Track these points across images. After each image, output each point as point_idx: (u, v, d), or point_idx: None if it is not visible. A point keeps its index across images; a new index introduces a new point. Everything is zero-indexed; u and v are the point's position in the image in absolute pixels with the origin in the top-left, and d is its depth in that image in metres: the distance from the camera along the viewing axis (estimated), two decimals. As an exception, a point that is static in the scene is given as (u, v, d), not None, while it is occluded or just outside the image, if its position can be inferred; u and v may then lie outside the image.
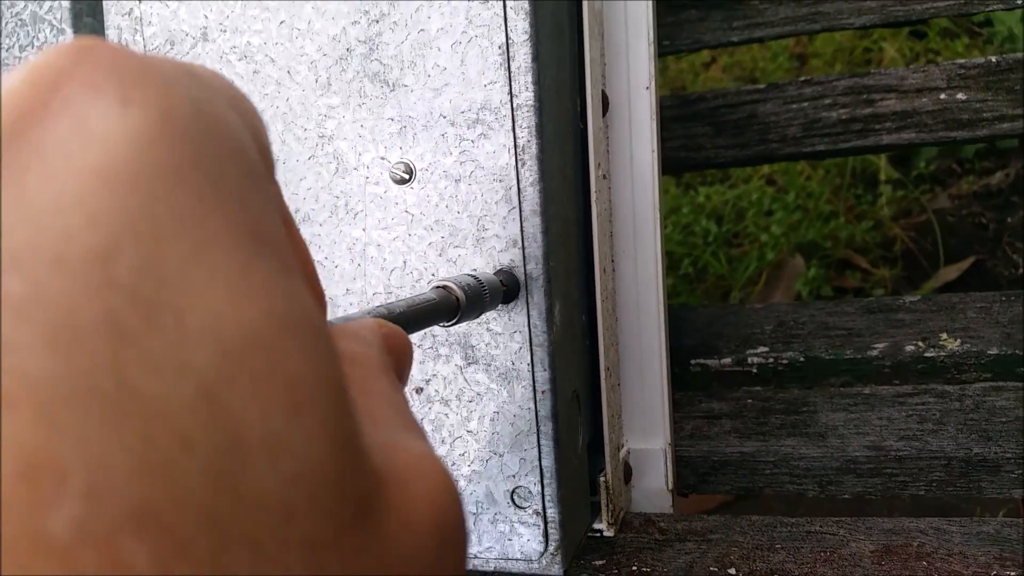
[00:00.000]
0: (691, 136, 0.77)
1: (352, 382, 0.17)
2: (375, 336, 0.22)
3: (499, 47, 0.45)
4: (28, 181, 0.12)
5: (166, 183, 0.13)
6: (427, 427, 0.51)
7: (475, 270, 0.48)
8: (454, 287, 0.40)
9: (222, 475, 0.11)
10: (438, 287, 0.40)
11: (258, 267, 0.14)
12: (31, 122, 0.13)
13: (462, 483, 0.51)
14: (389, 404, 0.19)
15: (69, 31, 0.60)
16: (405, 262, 0.49)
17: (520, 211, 0.47)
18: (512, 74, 0.46)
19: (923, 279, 1.22)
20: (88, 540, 0.10)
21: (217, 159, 0.14)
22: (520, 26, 0.45)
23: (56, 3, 0.60)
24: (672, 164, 0.77)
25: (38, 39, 0.61)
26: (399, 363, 0.23)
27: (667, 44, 0.77)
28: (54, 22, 0.60)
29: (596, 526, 0.58)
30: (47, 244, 0.12)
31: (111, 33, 0.52)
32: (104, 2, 0.52)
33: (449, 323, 0.40)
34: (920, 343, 0.68)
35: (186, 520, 0.11)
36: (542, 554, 0.51)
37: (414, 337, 0.49)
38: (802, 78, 0.76)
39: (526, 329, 0.49)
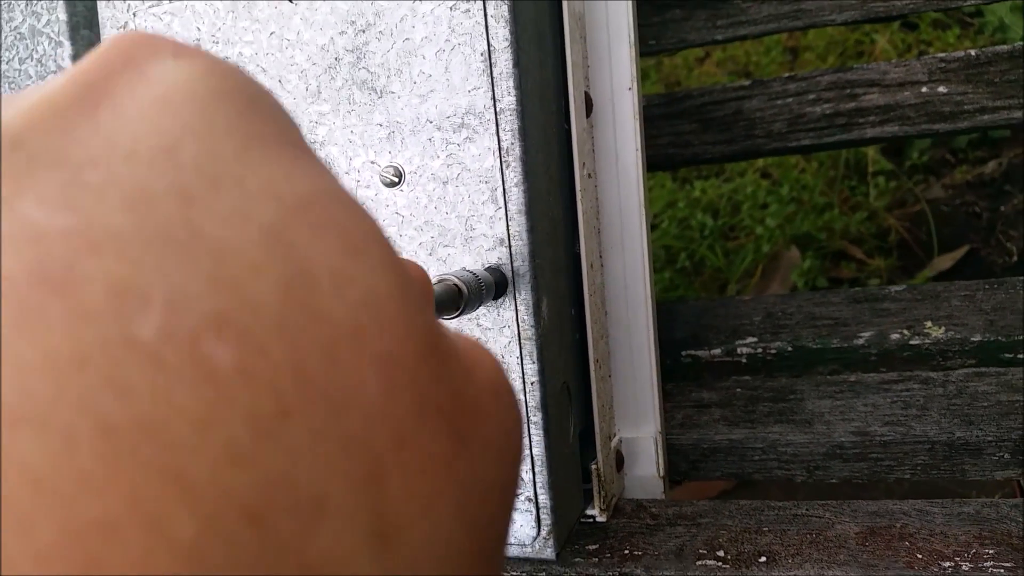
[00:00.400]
0: (679, 133, 0.79)
1: None
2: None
3: (481, 54, 0.47)
4: (100, 115, 0.14)
5: (216, 99, 0.15)
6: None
7: (464, 268, 0.50)
8: (457, 281, 0.42)
9: (291, 294, 0.13)
10: (441, 281, 0.41)
11: (304, 159, 0.16)
12: (101, 78, 0.15)
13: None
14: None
15: (67, 43, 0.62)
16: (397, 262, 0.51)
17: (506, 211, 0.49)
18: (494, 79, 0.48)
19: (918, 268, 1.24)
20: (172, 341, 0.11)
21: (256, 95, 0.17)
22: (501, 33, 0.47)
23: (53, 16, 0.62)
24: (660, 161, 0.79)
25: (36, 52, 0.63)
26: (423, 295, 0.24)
27: (653, 44, 0.79)
28: (52, 35, 0.62)
29: (589, 512, 0.60)
30: (119, 148, 0.14)
31: (110, 47, 0.54)
32: (99, 15, 0.54)
33: (452, 316, 0.41)
34: (905, 331, 0.69)
35: (261, 325, 0.12)
36: (535, 538, 0.53)
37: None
38: (786, 74, 0.77)
39: (514, 324, 0.50)
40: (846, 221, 1.26)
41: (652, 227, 1.35)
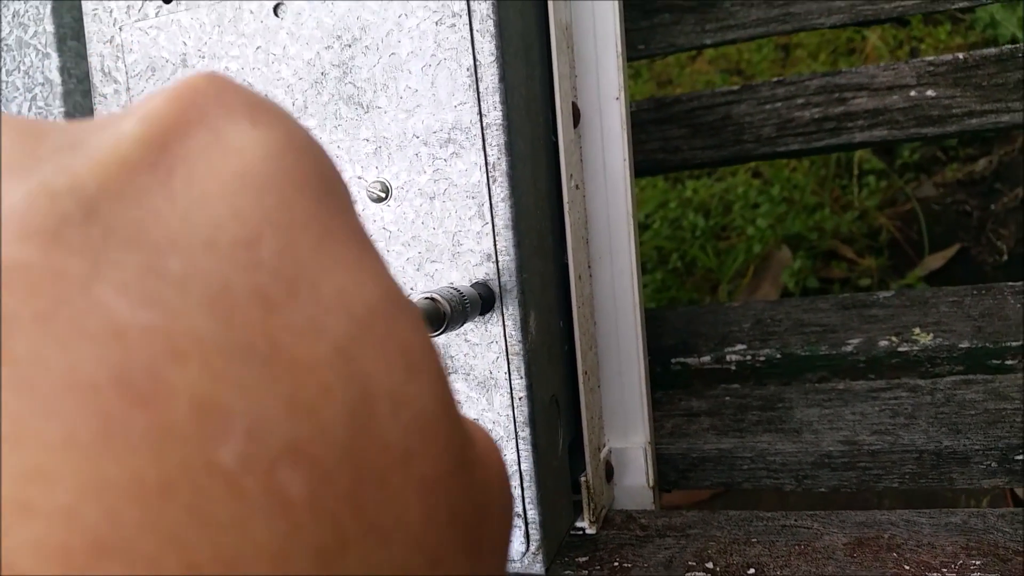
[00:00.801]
0: (668, 138, 0.78)
1: None
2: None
3: (467, 69, 0.47)
4: (175, 183, 0.14)
5: (294, 186, 0.15)
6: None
7: (452, 283, 0.50)
8: (440, 299, 0.41)
9: (356, 419, 0.13)
10: (425, 298, 0.41)
11: (368, 258, 0.16)
12: (174, 136, 0.15)
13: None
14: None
15: (55, 55, 0.62)
16: (384, 277, 0.51)
17: (493, 226, 0.49)
18: (480, 95, 0.48)
19: (909, 268, 1.24)
20: (251, 469, 0.11)
21: (328, 173, 0.17)
22: (487, 48, 0.47)
23: (41, 28, 0.62)
24: (650, 166, 0.79)
25: (24, 63, 0.63)
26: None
27: (642, 48, 0.79)
28: (39, 47, 0.62)
29: (579, 524, 0.60)
30: (199, 232, 0.14)
31: (94, 60, 0.54)
32: (85, 29, 0.54)
33: (435, 333, 0.41)
34: (894, 338, 0.69)
35: (330, 455, 0.13)
36: (524, 554, 0.53)
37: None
38: (775, 78, 0.77)
39: (502, 339, 0.50)
40: (837, 221, 1.27)
41: (644, 227, 1.35)
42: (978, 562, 0.53)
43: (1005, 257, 1.21)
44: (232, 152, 0.15)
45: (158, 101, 0.16)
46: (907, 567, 0.53)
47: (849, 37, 1.44)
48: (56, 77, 0.62)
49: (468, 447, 0.16)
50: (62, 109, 0.62)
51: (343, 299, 0.14)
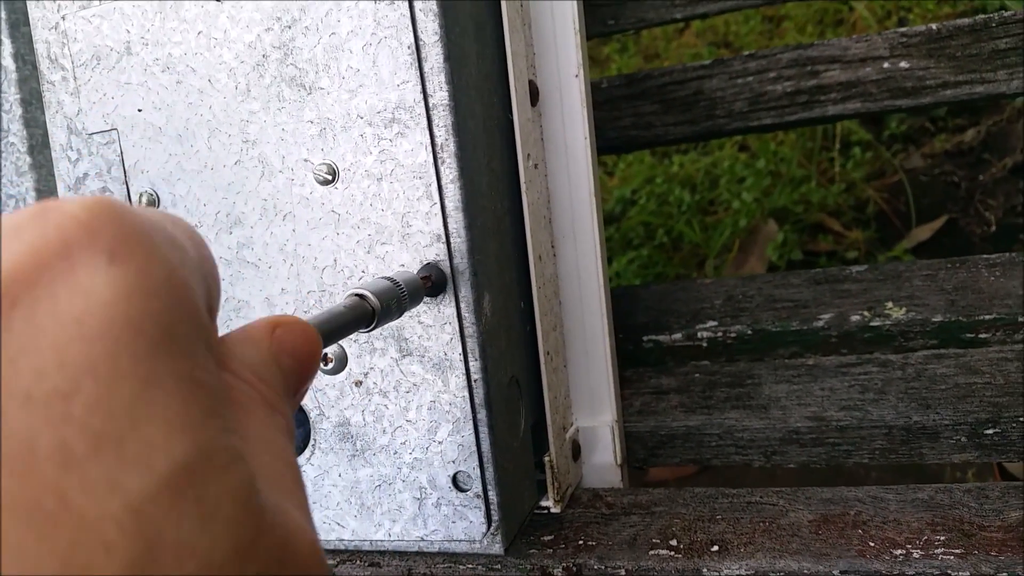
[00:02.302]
0: (640, 115, 0.77)
1: (251, 439, 0.20)
2: (265, 352, 0.24)
3: (408, 47, 0.46)
4: (15, 323, 0.15)
5: (131, 332, 0.16)
6: (368, 418, 0.53)
7: (402, 266, 0.50)
8: (369, 295, 0.41)
9: (135, 572, 0.14)
10: (352, 295, 0.41)
11: (193, 407, 0.17)
12: (29, 272, 0.16)
13: (406, 470, 0.53)
14: (282, 461, 0.21)
15: (7, 41, 0.61)
16: (335, 260, 0.51)
17: (443, 207, 0.48)
18: (425, 74, 0.47)
19: (896, 240, 1.23)
20: None
21: (174, 317, 0.18)
22: (430, 27, 0.46)
23: None
24: (623, 143, 0.78)
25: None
26: (298, 364, 0.25)
27: (612, 23, 0.78)
28: None
29: (543, 503, 0.60)
30: (21, 382, 0.15)
31: (40, 47, 0.53)
32: (30, 15, 0.53)
33: (368, 329, 0.41)
34: (866, 312, 0.69)
35: None
36: (484, 534, 0.53)
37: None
38: (746, 52, 0.76)
39: (455, 321, 0.50)
40: (823, 193, 1.26)
41: (631, 203, 1.34)
42: (943, 537, 0.53)
43: (993, 228, 1.20)
44: (78, 293, 0.16)
45: (27, 229, 0.17)
46: (871, 544, 0.53)
47: (836, 8, 1.43)
48: (10, 64, 0.62)
49: (276, 569, 0.17)
50: (17, 96, 0.62)
51: (147, 455, 0.15)
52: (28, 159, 0.64)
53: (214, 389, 0.18)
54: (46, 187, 0.64)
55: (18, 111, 0.63)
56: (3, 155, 0.64)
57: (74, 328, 0.15)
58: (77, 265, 0.16)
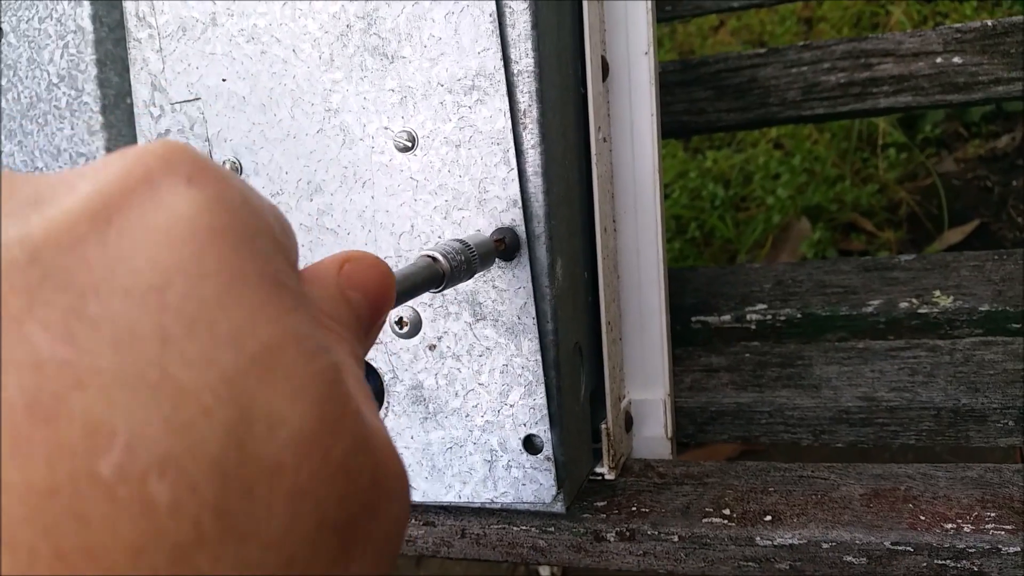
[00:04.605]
0: (693, 100, 0.79)
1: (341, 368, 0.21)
2: (332, 287, 0.24)
3: (490, 15, 0.48)
4: (110, 235, 0.17)
5: (212, 238, 0.18)
6: (441, 382, 0.54)
7: (478, 230, 0.51)
8: (439, 257, 0.42)
9: (231, 436, 0.16)
10: (424, 256, 0.41)
11: (276, 300, 0.19)
12: (119, 194, 0.18)
13: (477, 433, 0.54)
14: (359, 380, 0.22)
15: (87, 3, 0.62)
16: (412, 226, 0.52)
17: (521, 172, 0.50)
18: (511, 41, 0.48)
19: (927, 242, 1.24)
20: (125, 479, 0.14)
21: (252, 230, 0.20)
22: (519, -5, 0.48)
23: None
24: (675, 128, 0.80)
25: (56, 11, 0.64)
26: (368, 299, 0.25)
27: (669, 9, 0.79)
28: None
29: (598, 470, 0.61)
30: (119, 280, 0.16)
31: (128, 5, 0.55)
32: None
33: (438, 289, 0.42)
34: (914, 300, 0.70)
35: (199, 467, 0.15)
36: (554, 497, 0.54)
37: (425, 296, 0.52)
38: (802, 43, 0.77)
39: (529, 284, 0.51)
40: (857, 193, 1.27)
41: (664, 197, 1.35)
42: (993, 514, 0.54)
43: (1025, 232, 1.21)
44: (164, 208, 0.18)
45: (112, 163, 0.19)
46: (923, 518, 0.54)
47: (873, 11, 1.44)
48: (88, 25, 0.63)
49: (359, 454, 0.19)
50: (93, 56, 0.63)
51: (237, 336, 0.17)
52: (100, 119, 0.66)
53: (298, 293, 0.20)
54: (116, 146, 0.65)
55: (93, 71, 0.64)
56: (76, 114, 0.66)
57: (162, 235, 0.17)
58: (160, 187, 0.18)
